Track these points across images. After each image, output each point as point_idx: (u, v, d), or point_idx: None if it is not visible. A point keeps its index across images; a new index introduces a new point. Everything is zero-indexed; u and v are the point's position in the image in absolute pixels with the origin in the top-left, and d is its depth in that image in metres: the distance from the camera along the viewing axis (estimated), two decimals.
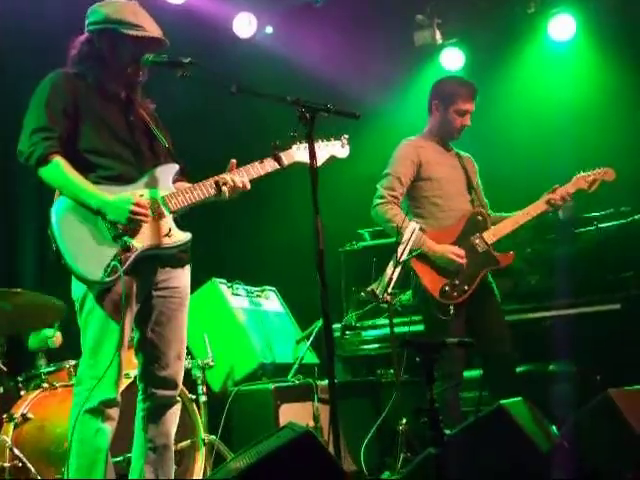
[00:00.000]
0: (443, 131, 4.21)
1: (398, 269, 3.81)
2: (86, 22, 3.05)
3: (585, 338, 4.48)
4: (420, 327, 4.14)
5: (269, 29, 5.98)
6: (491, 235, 4.05)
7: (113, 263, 2.81)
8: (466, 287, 3.95)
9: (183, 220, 3.05)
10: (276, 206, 5.97)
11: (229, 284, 5.05)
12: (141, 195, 2.93)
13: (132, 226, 2.85)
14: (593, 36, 5.81)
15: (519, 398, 3.15)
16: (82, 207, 2.86)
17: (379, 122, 5.58)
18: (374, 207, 4.10)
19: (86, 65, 3.01)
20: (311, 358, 4.96)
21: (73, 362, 3.89)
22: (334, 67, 5.67)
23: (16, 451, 3.64)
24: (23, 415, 3.75)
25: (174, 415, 3.08)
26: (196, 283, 4.73)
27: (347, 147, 3.29)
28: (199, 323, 4.65)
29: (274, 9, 5.88)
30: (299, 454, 2.43)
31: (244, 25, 5.84)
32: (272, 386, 4.34)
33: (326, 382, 3.99)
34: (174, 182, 3.05)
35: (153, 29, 3.03)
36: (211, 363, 4.29)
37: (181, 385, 3.12)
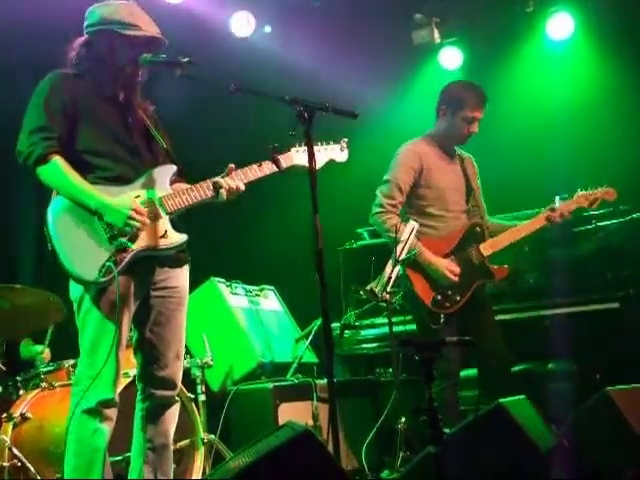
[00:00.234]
0: (449, 137, 4.17)
1: (397, 268, 3.81)
2: (84, 24, 3.06)
3: (584, 337, 4.48)
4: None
5: (267, 28, 5.97)
6: (487, 247, 4.05)
7: (108, 264, 2.81)
8: (458, 297, 3.95)
9: (181, 220, 3.05)
10: (275, 205, 5.97)
11: (228, 283, 5.05)
12: (138, 196, 2.94)
13: (128, 231, 2.85)
14: (591, 35, 5.82)
15: (519, 397, 3.15)
16: (79, 207, 2.86)
17: (378, 121, 5.58)
18: (373, 215, 4.10)
19: (85, 66, 3.02)
20: (310, 357, 4.96)
21: (72, 361, 3.90)
22: (332, 66, 5.67)
23: (15, 451, 3.65)
24: (22, 415, 3.75)
25: (173, 415, 3.09)
26: (195, 282, 4.73)
27: (346, 151, 3.29)
28: (198, 322, 4.65)
29: (272, 8, 5.87)
30: (298, 453, 2.43)
31: (242, 24, 5.83)
32: (271, 385, 4.34)
33: (325, 381, 3.99)
34: (172, 183, 3.05)
35: (151, 29, 3.03)
36: (210, 362, 4.29)
37: (180, 385, 3.13)
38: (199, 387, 4.24)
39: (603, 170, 5.17)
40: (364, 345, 5.16)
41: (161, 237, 2.94)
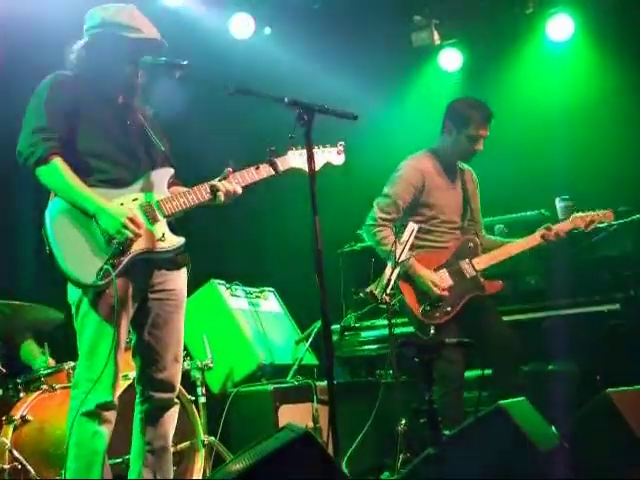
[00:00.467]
0: (453, 153, 4.19)
1: (397, 270, 3.82)
2: (84, 27, 3.07)
3: (584, 338, 4.48)
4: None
5: (267, 30, 5.98)
6: (481, 262, 4.09)
7: (106, 267, 2.80)
8: (449, 309, 3.98)
9: (179, 222, 3.05)
10: (275, 207, 5.97)
11: (228, 285, 5.05)
12: (136, 199, 2.94)
13: (120, 238, 2.83)
14: (591, 36, 5.82)
15: (519, 398, 3.16)
16: (77, 209, 2.86)
17: (377, 123, 5.58)
18: (365, 226, 4.15)
19: (85, 68, 3.02)
20: (310, 359, 4.97)
21: (72, 364, 3.89)
22: (332, 68, 5.67)
23: (15, 453, 3.65)
24: (22, 417, 3.75)
25: (172, 417, 3.09)
26: (195, 284, 4.74)
27: (343, 154, 3.29)
28: (198, 324, 4.65)
29: (272, 10, 5.87)
30: (298, 455, 2.43)
31: (242, 26, 5.83)
32: (271, 387, 4.35)
33: (325, 383, 3.99)
34: (169, 186, 3.06)
35: (151, 31, 3.05)
36: (210, 364, 4.29)
37: (178, 387, 3.13)
38: (199, 389, 4.24)
39: (603, 171, 5.19)
40: (364, 347, 5.15)
41: (159, 240, 2.94)
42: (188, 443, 4.01)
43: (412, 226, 3.88)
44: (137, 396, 3.07)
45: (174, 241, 2.98)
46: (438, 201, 4.14)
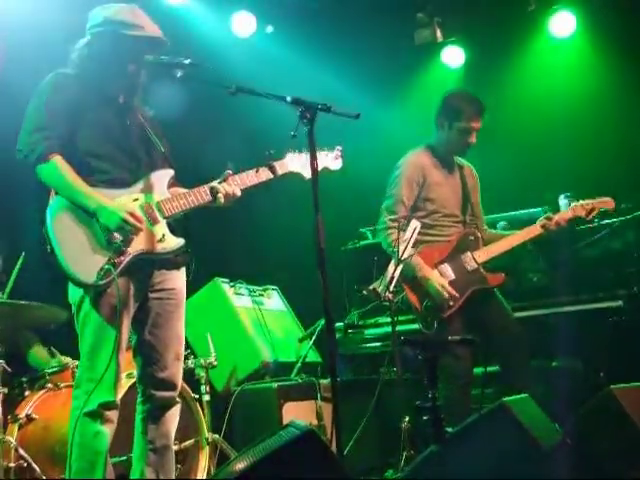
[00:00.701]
0: (448, 148, 4.21)
1: (400, 267, 3.83)
2: (87, 26, 3.08)
3: (588, 335, 4.49)
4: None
5: (269, 28, 5.98)
6: (482, 254, 4.10)
7: (106, 267, 2.81)
8: (451, 303, 3.98)
9: (183, 221, 3.05)
10: (278, 205, 5.98)
11: (232, 284, 5.06)
12: (136, 199, 2.95)
13: (122, 234, 2.84)
14: (593, 33, 5.83)
15: (522, 395, 3.16)
16: (78, 208, 2.86)
17: (381, 121, 5.59)
18: (378, 232, 4.18)
19: (87, 66, 3.03)
20: (314, 357, 4.97)
21: (77, 362, 3.90)
22: (334, 66, 5.67)
23: (21, 451, 3.67)
24: (27, 415, 3.77)
25: (173, 416, 3.10)
26: (199, 283, 4.75)
27: (340, 159, 3.28)
28: (202, 323, 4.66)
29: (273, 8, 5.87)
30: (302, 452, 2.43)
31: (243, 24, 5.83)
32: (275, 385, 4.35)
33: (329, 380, 3.99)
34: (169, 187, 3.07)
35: (153, 29, 3.06)
36: (214, 362, 4.29)
37: (180, 386, 3.13)
38: (203, 387, 4.24)
39: (606, 168, 5.18)
40: (368, 344, 5.16)
41: (158, 241, 2.95)
42: (192, 441, 4.03)
43: (414, 224, 3.89)
44: (138, 396, 3.08)
45: (174, 242, 2.99)
46: (438, 195, 4.16)
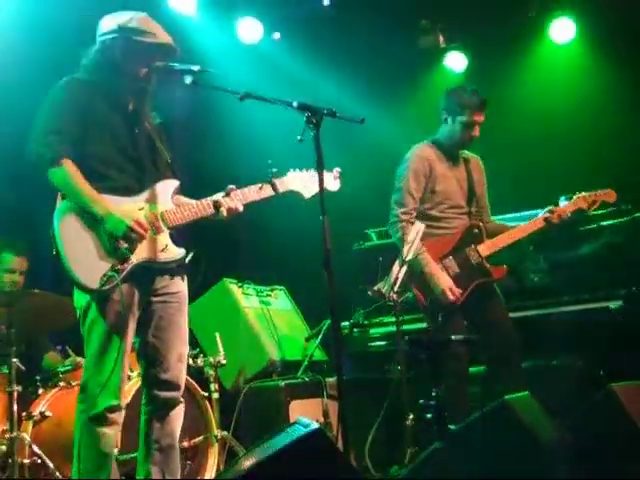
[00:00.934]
0: (452, 142, 4.24)
1: (404, 268, 3.87)
2: (97, 34, 3.11)
3: (588, 334, 4.52)
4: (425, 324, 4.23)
5: (276, 35, 6.00)
6: (486, 248, 4.13)
7: (110, 273, 2.85)
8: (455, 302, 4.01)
9: (180, 232, 3.09)
10: (285, 207, 6.01)
11: (240, 284, 5.09)
12: (141, 209, 2.99)
13: (128, 242, 2.88)
14: (593, 39, 5.85)
15: (524, 393, 3.20)
16: (85, 213, 2.90)
17: (385, 124, 5.62)
18: (388, 225, 4.20)
19: (99, 72, 3.07)
20: (320, 355, 5.01)
21: None
22: (339, 72, 5.70)
23: (35, 448, 3.72)
24: (41, 413, 3.83)
25: (178, 415, 3.12)
26: (207, 284, 4.81)
27: (338, 180, 3.28)
28: (211, 322, 4.71)
29: (280, 15, 5.90)
30: (308, 450, 2.45)
31: (250, 31, 5.85)
32: (282, 383, 4.40)
33: (335, 379, 4.05)
34: (172, 196, 3.10)
35: (164, 36, 3.09)
36: (223, 361, 4.33)
37: (183, 386, 3.15)
38: (212, 385, 4.30)
39: (605, 170, 5.21)
40: (373, 343, 5.20)
41: (161, 251, 2.99)
42: (202, 438, 4.09)
43: (418, 226, 3.93)
44: (143, 397, 3.11)
45: (175, 253, 3.03)
46: (444, 187, 4.19)
